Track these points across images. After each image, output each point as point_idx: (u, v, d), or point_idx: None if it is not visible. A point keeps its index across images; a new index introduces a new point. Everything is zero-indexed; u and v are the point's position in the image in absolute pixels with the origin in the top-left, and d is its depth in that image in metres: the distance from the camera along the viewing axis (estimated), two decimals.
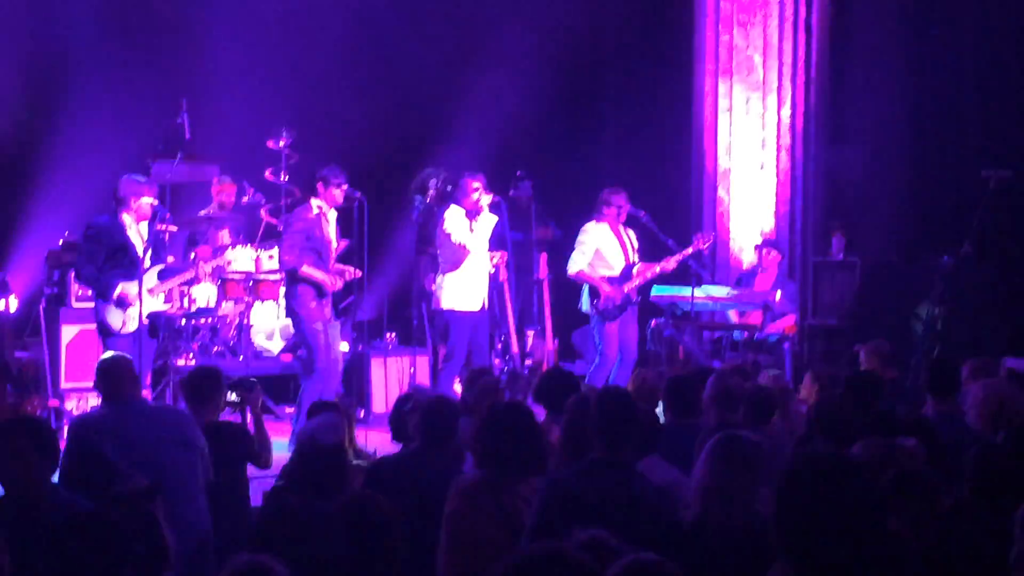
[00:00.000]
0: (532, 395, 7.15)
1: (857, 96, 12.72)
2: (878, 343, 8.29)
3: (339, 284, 9.09)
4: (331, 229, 9.14)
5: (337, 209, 9.22)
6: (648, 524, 4.34)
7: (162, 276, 8.60)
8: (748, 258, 12.17)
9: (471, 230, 9.61)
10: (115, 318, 8.33)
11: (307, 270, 8.94)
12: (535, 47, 13.37)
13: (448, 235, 9.61)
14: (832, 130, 12.60)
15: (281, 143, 11.68)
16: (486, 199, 9.59)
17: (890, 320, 11.15)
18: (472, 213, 9.63)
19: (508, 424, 4.93)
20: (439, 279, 9.72)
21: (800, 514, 3.02)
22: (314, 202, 9.08)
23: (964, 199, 11.45)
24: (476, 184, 9.58)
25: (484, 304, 9.75)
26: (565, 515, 4.45)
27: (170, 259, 9.33)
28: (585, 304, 10.09)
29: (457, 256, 9.59)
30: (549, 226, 11.72)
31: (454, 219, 9.63)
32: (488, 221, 9.66)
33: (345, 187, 9.08)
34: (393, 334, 11.18)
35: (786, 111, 12.28)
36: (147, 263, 8.44)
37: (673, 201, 12.75)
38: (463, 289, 9.61)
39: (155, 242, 8.58)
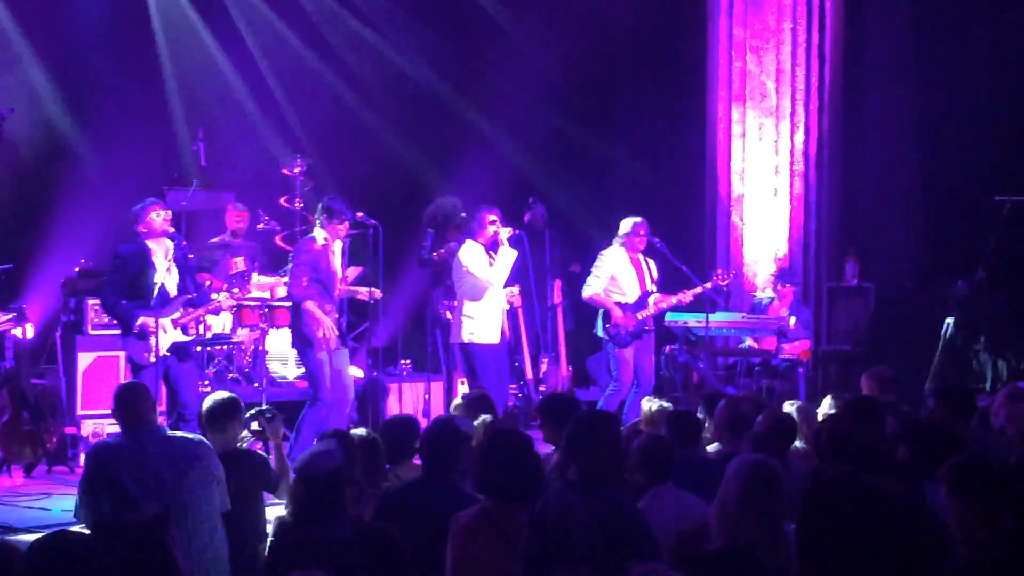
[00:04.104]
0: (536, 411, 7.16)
1: (870, 122, 12.74)
2: (879, 369, 8.17)
3: (332, 335, 8.85)
4: (337, 260, 9.05)
5: (350, 236, 9.19)
6: (624, 546, 4.34)
7: (186, 307, 8.63)
8: (762, 284, 12.13)
9: (491, 264, 9.53)
10: (140, 351, 8.38)
11: (311, 307, 8.84)
12: (548, 75, 13.42)
13: (466, 269, 9.52)
14: (845, 156, 12.61)
15: (296, 170, 11.73)
16: (505, 232, 9.52)
17: (904, 345, 11.15)
18: (492, 246, 9.57)
19: (506, 451, 4.90)
20: (463, 308, 9.58)
21: (818, 536, 3.01)
22: (319, 233, 9.00)
23: (978, 224, 11.46)
24: (492, 217, 9.52)
25: (504, 335, 9.71)
26: (546, 536, 4.45)
27: None
28: (599, 329, 10.10)
29: (478, 290, 9.52)
30: (569, 261, 11.72)
31: (472, 253, 9.53)
32: (508, 255, 9.56)
33: (347, 224, 9.00)
34: (408, 361, 11.18)
35: (799, 137, 12.29)
36: (173, 292, 8.48)
37: (687, 227, 12.76)
38: (484, 322, 9.52)
39: (181, 270, 8.62)
